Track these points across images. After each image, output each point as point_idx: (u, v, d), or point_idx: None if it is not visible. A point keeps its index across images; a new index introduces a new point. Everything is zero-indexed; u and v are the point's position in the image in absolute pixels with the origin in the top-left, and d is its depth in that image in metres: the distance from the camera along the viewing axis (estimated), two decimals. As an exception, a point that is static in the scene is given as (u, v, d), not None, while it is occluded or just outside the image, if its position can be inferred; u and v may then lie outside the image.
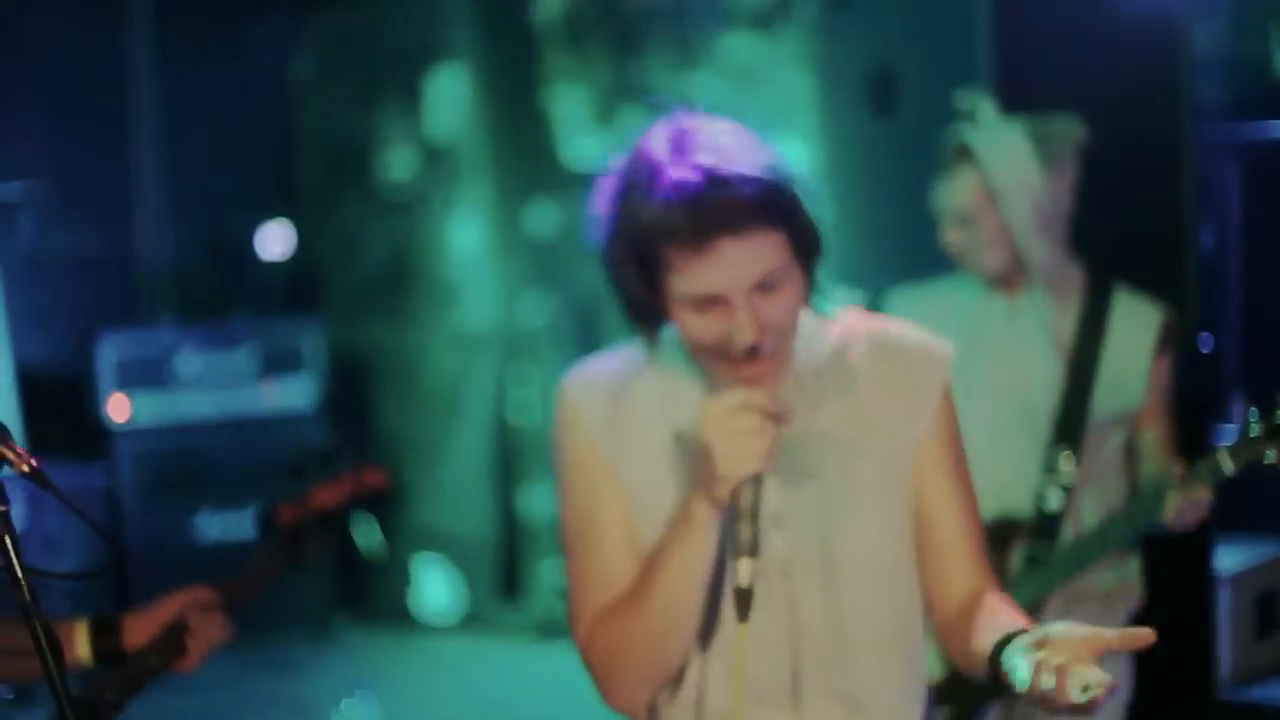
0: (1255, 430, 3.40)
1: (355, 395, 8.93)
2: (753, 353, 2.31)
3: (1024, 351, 3.82)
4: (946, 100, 4.86)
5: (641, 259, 2.32)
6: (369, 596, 8.56)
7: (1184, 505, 3.55)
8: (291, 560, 3.23)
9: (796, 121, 7.26)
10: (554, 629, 8.07)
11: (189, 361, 8.08)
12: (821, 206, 2.38)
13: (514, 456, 8.38)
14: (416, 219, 8.88)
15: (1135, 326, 3.87)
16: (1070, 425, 3.81)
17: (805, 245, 2.34)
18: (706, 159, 2.27)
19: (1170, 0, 5.08)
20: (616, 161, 2.41)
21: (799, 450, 2.42)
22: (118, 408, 7.90)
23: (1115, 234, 4.06)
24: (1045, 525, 3.83)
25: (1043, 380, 3.86)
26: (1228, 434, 3.77)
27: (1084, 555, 3.76)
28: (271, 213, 9.16)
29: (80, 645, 3.08)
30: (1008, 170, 3.80)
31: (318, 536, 3.24)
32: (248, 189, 9.05)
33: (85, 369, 7.95)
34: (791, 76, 7.45)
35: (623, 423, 2.48)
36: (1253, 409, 3.43)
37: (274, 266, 9.16)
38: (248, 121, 9.00)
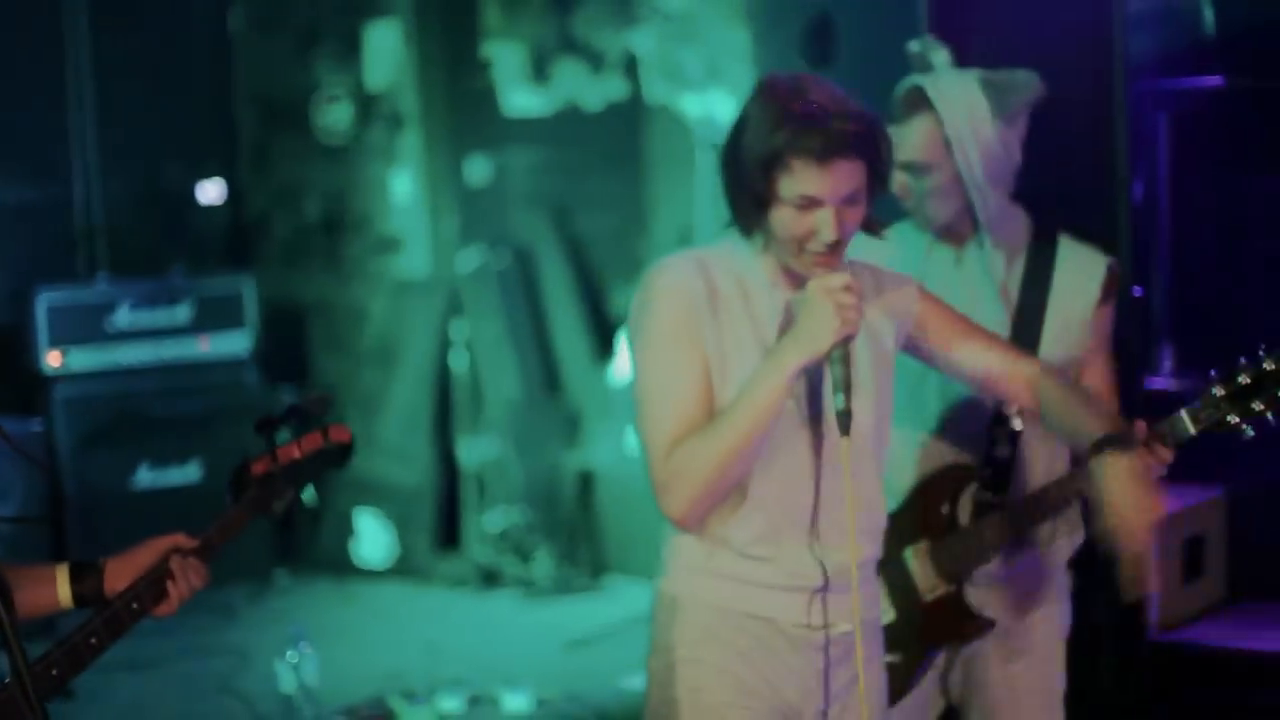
0: (1218, 391, 3.38)
1: (293, 346, 8.94)
2: (834, 247, 3.05)
3: (970, 302, 3.76)
4: (883, 50, 4.90)
5: (769, 165, 3.01)
6: (308, 546, 8.58)
7: (1146, 462, 3.45)
8: (259, 511, 3.27)
9: (732, 72, 7.30)
10: (492, 579, 8.12)
11: (126, 316, 8.07)
12: (891, 151, 3.13)
13: (452, 407, 8.40)
14: (354, 170, 8.88)
15: (1080, 274, 3.89)
16: None
17: (878, 177, 3.09)
18: (825, 99, 3.02)
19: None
20: (752, 94, 3.12)
21: None
22: (53, 361, 7.89)
23: (1049, 185, 4.07)
24: (996, 472, 3.86)
25: (990, 330, 3.78)
26: (1158, 383, 3.78)
27: (1043, 508, 3.78)
28: (208, 164, 9.13)
29: (61, 588, 3.14)
30: (964, 121, 3.80)
31: (286, 489, 3.28)
32: (184, 140, 9.01)
33: (21, 320, 7.93)
34: (727, 27, 7.48)
35: (708, 299, 3.12)
36: (1214, 371, 3.41)
37: (211, 217, 9.14)
38: (184, 73, 8.96)
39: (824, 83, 3.10)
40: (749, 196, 3.09)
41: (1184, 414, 3.43)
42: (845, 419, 3.03)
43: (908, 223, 3.95)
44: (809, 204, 3.03)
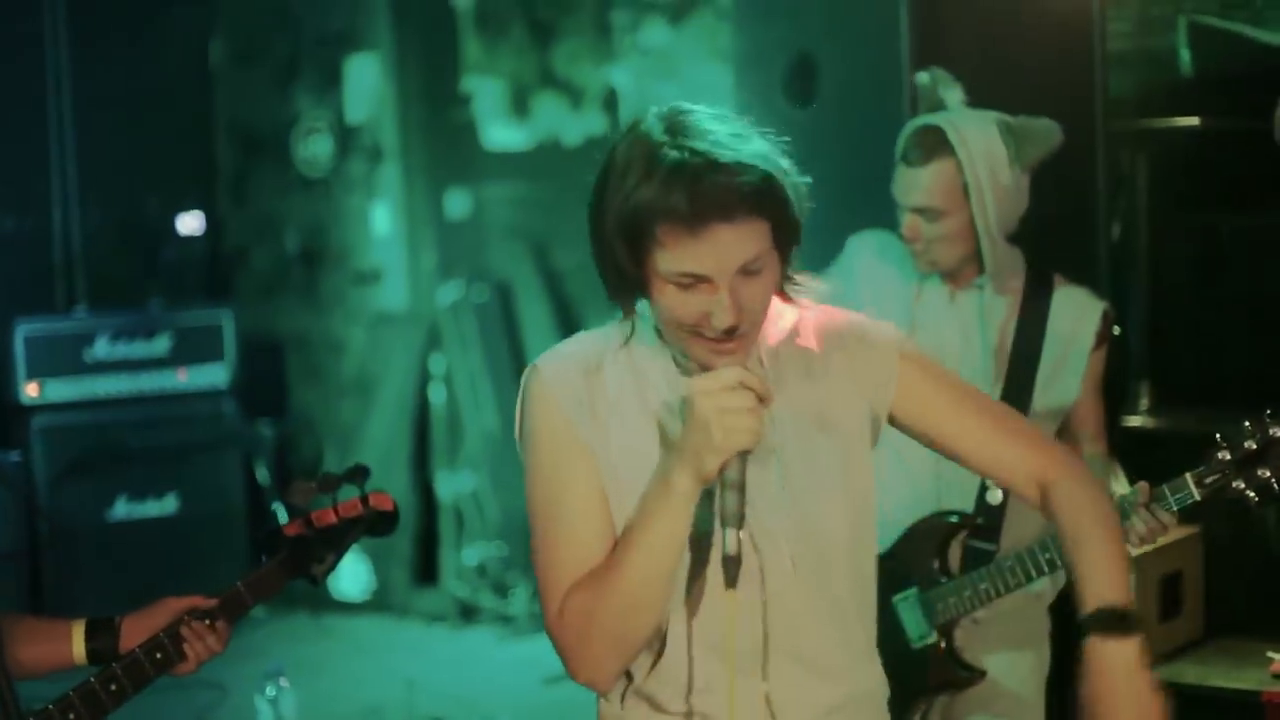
0: (1224, 456, 3.33)
1: (271, 378, 8.93)
2: (730, 333, 2.40)
3: (960, 343, 3.75)
4: (865, 89, 4.93)
5: (632, 234, 2.39)
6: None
7: (1148, 526, 3.50)
8: (294, 574, 3.26)
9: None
10: (469, 613, 8.10)
11: (104, 347, 8.06)
12: (803, 197, 2.47)
13: (430, 440, 8.39)
14: (333, 202, 8.89)
15: (1075, 319, 3.82)
16: None
17: (786, 235, 2.44)
18: (704, 144, 2.36)
19: (1083, -3, 5.18)
20: (616, 140, 2.49)
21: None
22: (31, 392, 7.88)
23: (1028, 222, 4.09)
24: (988, 519, 3.77)
25: (980, 375, 3.76)
26: (1134, 421, 3.73)
27: (1034, 568, 3.65)
28: (187, 196, 9.14)
29: (76, 645, 3.15)
30: (984, 168, 3.70)
31: (324, 553, 3.27)
32: (163, 172, 9.03)
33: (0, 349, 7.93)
34: (707, 64, 7.51)
35: (595, 400, 2.53)
36: (1221, 435, 3.35)
37: (190, 249, 9.14)
38: (163, 105, 8.98)
39: (703, 117, 2.43)
40: (616, 274, 2.47)
41: (1189, 479, 3.38)
42: (731, 567, 2.37)
43: (892, 236, 3.89)
44: (692, 281, 2.38)
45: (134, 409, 8.09)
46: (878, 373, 2.63)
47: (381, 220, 8.74)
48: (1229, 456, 3.34)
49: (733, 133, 2.40)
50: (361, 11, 8.74)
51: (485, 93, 8.49)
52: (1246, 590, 5.59)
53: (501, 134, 8.47)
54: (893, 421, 2.67)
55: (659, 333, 2.55)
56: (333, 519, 3.24)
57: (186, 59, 9.22)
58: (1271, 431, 3.31)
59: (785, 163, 2.44)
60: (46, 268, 8.55)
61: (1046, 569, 3.63)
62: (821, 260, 4.96)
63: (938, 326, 3.80)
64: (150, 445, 8.02)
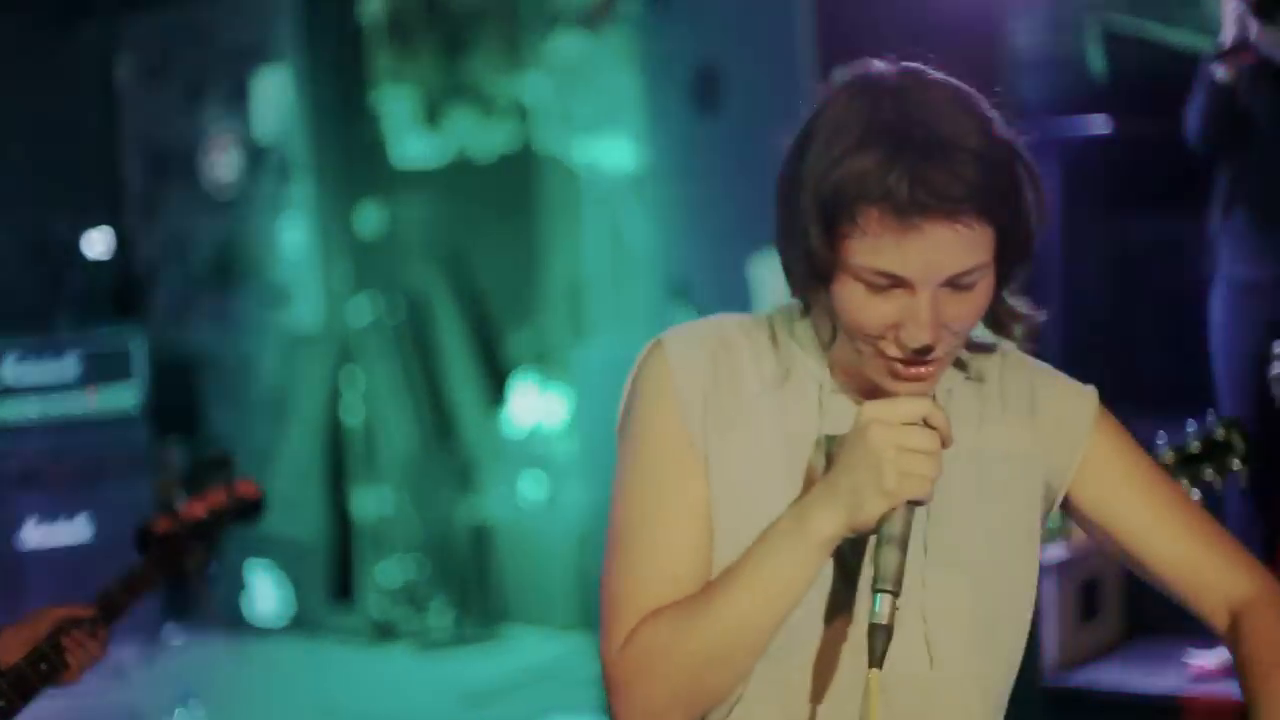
0: (1168, 458, 3.30)
1: (183, 399, 8.85)
2: (923, 353, 1.95)
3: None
4: (768, 98, 4.91)
5: (831, 212, 1.93)
6: (199, 602, 8.47)
7: None
8: (168, 571, 3.26)
9: (623, 119, 7.29)
10: (387, 632, 8.05)
11: (11, 370, 7.95)
12: (1042, 210, 2.02)
13: (345, 459, 8.34)
14: (243, 220, 8.82)
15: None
16: None
17: (1013, 250, 1.99)
18: (933, 118, 1.92)
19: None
20: (832, 92, 2.02)
21: None
22: (-62, 416, 7.78)
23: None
24: None
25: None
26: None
27: None
28: (95, 215, 9.05)
29: None
30: None
31: (193, 547, 3.28)
32: (70, 191, 8.94)
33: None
34: (618, 74, 7.48)
35: (725, 402, 2.08)
36: (1190, 423, 3.37)
37: (98, 269, 9.05)
38: (70, 123, 8.90)
39: (946, 87, 1.98)
40: (803, 254, 1.98)
41: None
42: (879, 640, 1.92)
43: None
44: (890, 283, 1.93)
45: (43, 433, 7.99)
46: (1065, 441, 2.17)
47: (292, 237, 8.66)
48: (1173, 457, 3.35)
49: (979, 116, 1.96)
50: (269, 25, 8.66)
51: (397, 105, 8.43)
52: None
53: (413, 146, 8.42)
54: (1066, 506, 2.20)
55: (822, 338, 2.11)
56: (200, 513, 3.27)
57: (91, 76, 9.13)
58: (1214, 434, 3.33)
59: (1032, 166, 2.00)
60: (-48, 291, 8.46)
61: None
62: (717, 269, 4.93)
63: None
64: (60, 469, 7.92)
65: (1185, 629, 5.34)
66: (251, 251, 8.80)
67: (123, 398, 8.16)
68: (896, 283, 1.92)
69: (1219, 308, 5.18)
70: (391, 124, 8.45)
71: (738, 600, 1.96)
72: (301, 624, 8.29)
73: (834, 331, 2.07)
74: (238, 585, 8.40)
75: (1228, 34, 5.06)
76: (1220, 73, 5.04)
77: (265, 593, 8.38)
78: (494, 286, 8.33)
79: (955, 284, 1.93)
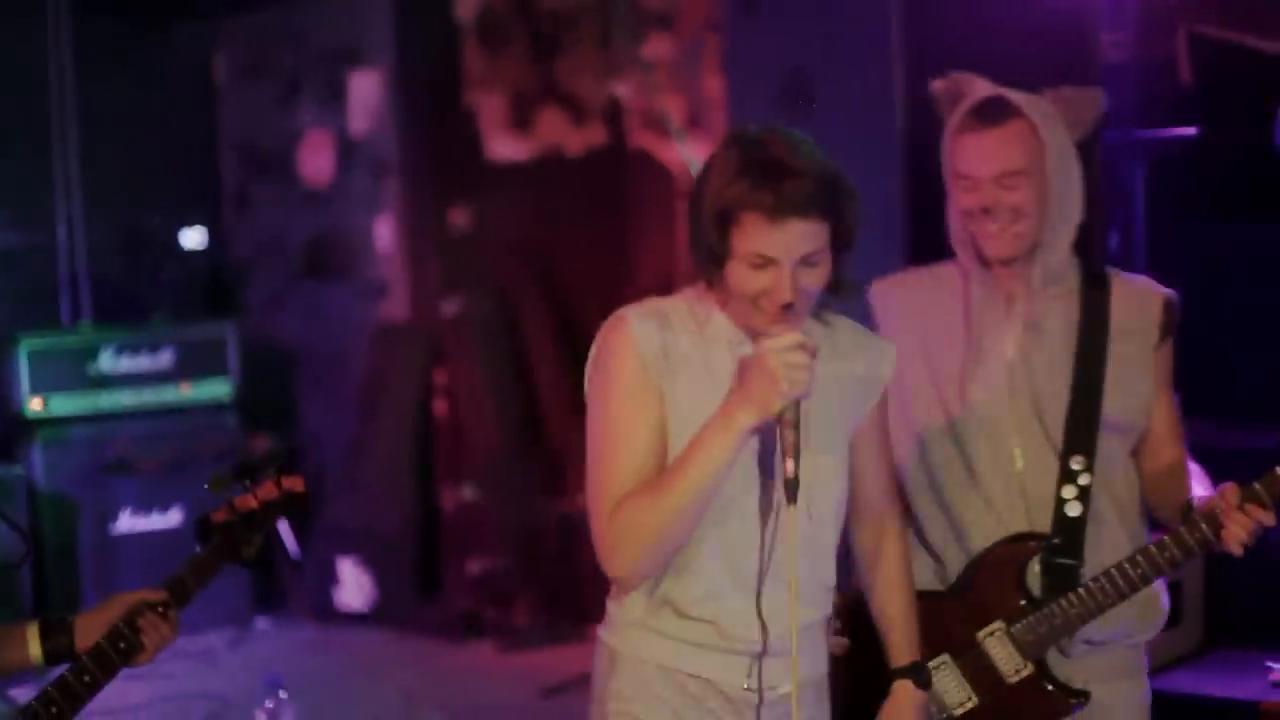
0: None
1: (274, 391, 8.95)
2: (787, 309, 2.94)
3: (1022, 353, 3.60)
4: (858, 101, 4.95)
5: (722, 218, 2.92)
6: (289, 592, 8.57)
7: (1248, 528, 3.37)
8: (228, 558, 3.42)
9: (711, 121, 7.33)
10: (472, 625, 8.10)
11: (108, 361, 8.09)
12: (859, 211, 2.99)
13: (433, 452, 8.40)
14: (335, 216, 8.91)
15: (1137, 313, 3.64)
16: (1082, 426, 3.58)
17: (842, 239, 2.98)
18: (785, 155, 2.91)
19: (1080, 8, 5.19)
20: (714, 146, 3.05)
21: None
22: (35, 406, 7.91)
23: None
24: (1067, 535, 3.57)
25: (1045, 381, 3.62)
26: None
27: (1129, 583, 3.50)
28: (191, 211, 9.18)
29: (32, 646, 3.24)
30: (1052, 126, 3.55)
31: (248, 536, 3.44)
32: (167, 187, 9.07)
33: (3, 366, 7.95)
34: (706, 77, 7.52)
35: (670, 351, 3.05)
36: None
37: (193, 263, 9.17)
38: (167, 120, 9.02)
39: (792, 136, 2.98)
40: (706, 250, 2.99)
41: None
42: (792, 487, 2.92)
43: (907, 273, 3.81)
44: (764, 262, 2.92)
45: (137, 423, 8.12)
46: (881, 366, 3.24)
47: (384, 233, 8.76)
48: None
49: (810, 150, 2.95)
50: (364, 26, 8.76)
51: (487, 106, 8.50)
52: (1246, 599, 5.58)
53: (504, 148, 8.48)
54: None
55: (722, 304, 3.08)
56: (253, 504, 3.44)
57: (190, 75, 9.26)
58: None
59: (848, 180, 2.98)
60: (51, 283, 8.58)
61: (1140, 583, 3.50)
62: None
63: (999, 337, 3.64)
64: (154, 459, 8.05)
65: (1266, 640, 5.35)
66: (344, 247, 8.89)
67: (216, 389, 8.29)
68: (768, 262, 2.91)
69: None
70: (482, 124, 8.52)
71: (687, 476, 2.94)
72: (388, 616, 8.35)
73: (727, 296, 3.03)
74: (326, 576, 8.49)
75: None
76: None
77: (353, 584, 8.46)
78: (583, 283, 8.36)
79: (806, 261, 2.93)
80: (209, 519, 3.42)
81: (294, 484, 3.52)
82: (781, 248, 2.89)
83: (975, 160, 3.57)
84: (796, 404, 2.92)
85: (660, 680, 3.14)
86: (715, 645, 3.10)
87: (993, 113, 3.54)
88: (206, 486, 3.43)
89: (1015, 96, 3.56)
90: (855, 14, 4.96)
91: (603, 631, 3.23)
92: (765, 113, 5.15)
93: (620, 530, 3.00)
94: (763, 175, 2.89)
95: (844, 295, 3.09)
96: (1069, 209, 3.59)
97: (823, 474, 3.11)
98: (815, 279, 2.96)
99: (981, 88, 3.60)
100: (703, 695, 3.13)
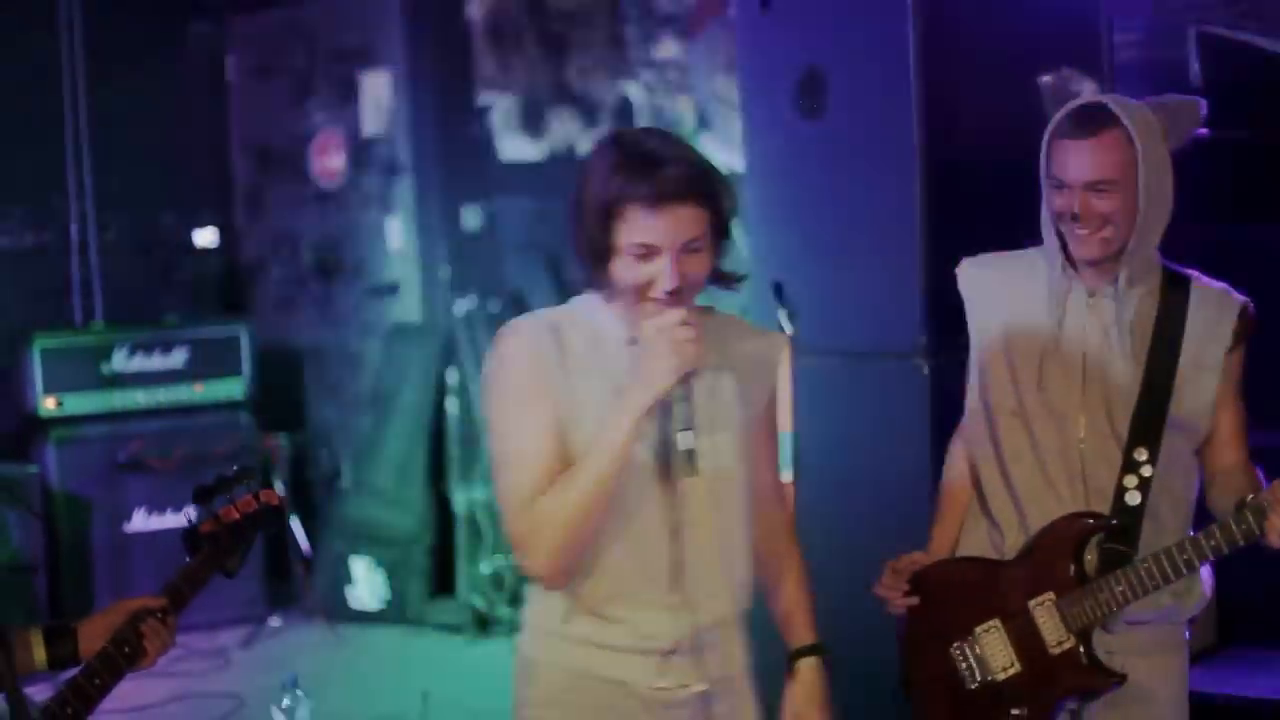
0: None
1: (287, 391, 8.97)
2: (672, 295, 3.01)
3: (1102, 347, 3.66)
4: (874, 101, 4.95)
5: (605, 213, 2.99)
6: (302, 592, 8.59)
7: None
8: (215, 567, 3.56)
9: (723, 122, 7.34)
10: (485, 624, 8.11)
11: (121, 361, 8.11)
12: (734, 201, 3.11)
13: (446, 452, 8.41)
14: (347, 216, 8.93)
15: (1213, 317, 3.70)
16: (1148, 421, 3.65)
17: (721, 227, 3.08)
18: (659, 148, 3.02)
19: (1089, 9, 5.20)
20: (593, 146, 3.14)
21: None
22: (49, 405, 7.94)
23: (1038, 234, 4.10)
24: (1125, 521, 3.64)
25: (1119, 377, 3.67)
26: None
27: (1172, 570, 3.56)
28: (204, 211, 9.20)
29: (37, 652, 3.30)
30: (1149, 138, 3.56)
31: (235, 547, 3.58)
32: (180, 187, 9.09)
33: (17, 365, 7.98)
34: (718, 78, 7.53)
35: (563, 355, 3.12)
36: None
37: (206, 264, 9.20)
38: (180, 120, 9.05)
39: (666, 132, 3.13)
40: (591, 249, 3.05)
41: None
42: (689, 457, 3.04)
43: (1036, 253, 3.80)
44: (646, 252, 2.99)
45: (151, 422, 8.15)
46: (771, 353, 3.36)
47: (396, 233, 8.78)
48: None
49: (683, 143, 3.10)
50: (376, 26, 8.78)
51: (499, 107, 8.52)
52: (1258, 597, 5.60)
53: (515, 148, 8.50)
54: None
55: (609, 302, 3.14)
56: (236, 515, 3.58)
57: (202, 74, 9.28)
58: None
59: (721, 170, 3.08)
60: (64, 282, 8.61)
61: (1185, 569, 3.56)
62: (807, 270, 4.94)
63: (1079, 329, 3.69)
64: (167, 458, 8.07)
65: (1277, 640, 5.37)
66: (356, 247, 8.92)
67: (229, 389, 8.32)
68: (651, 251, 2.99)
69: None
70: (494, 125, 8.54)
71: (588, 469, 3.01)
72: (401, 615, 8.36)
73: (615, 296, 3.09)
74: (339, 575, 8.50)
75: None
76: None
77: (366, 583, 8.48)
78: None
79: (687, 248, 3.01)
80: (197, 530, 3.53)
81: (269, 498, 3.66)
82: (663, 235, 2.98)
83: (1069, 166, 3.61)
84: (688, 378, 3.03)
85: (575, 685, 3.17)
86: (628, 646, 3.14)
87: (1091, 120, 3.58)
88: (190, 502, 3.55)
89: (1116, 104, 3.59)
90: (871, 11, 4.96)
91: (519, 640, 3.29)
92: (779, 112, 5.16)
93: (533, 527, 3.05)
94: (640, 167, 2.98)
95: (726, 285, 3.17)
96: (1158, 216, 3.63)
97: (722, 453, 3.16)
98: (698, 266, 3.04)
99: (1087, 89, 3.66)
100: (617, 699, 3.16)
